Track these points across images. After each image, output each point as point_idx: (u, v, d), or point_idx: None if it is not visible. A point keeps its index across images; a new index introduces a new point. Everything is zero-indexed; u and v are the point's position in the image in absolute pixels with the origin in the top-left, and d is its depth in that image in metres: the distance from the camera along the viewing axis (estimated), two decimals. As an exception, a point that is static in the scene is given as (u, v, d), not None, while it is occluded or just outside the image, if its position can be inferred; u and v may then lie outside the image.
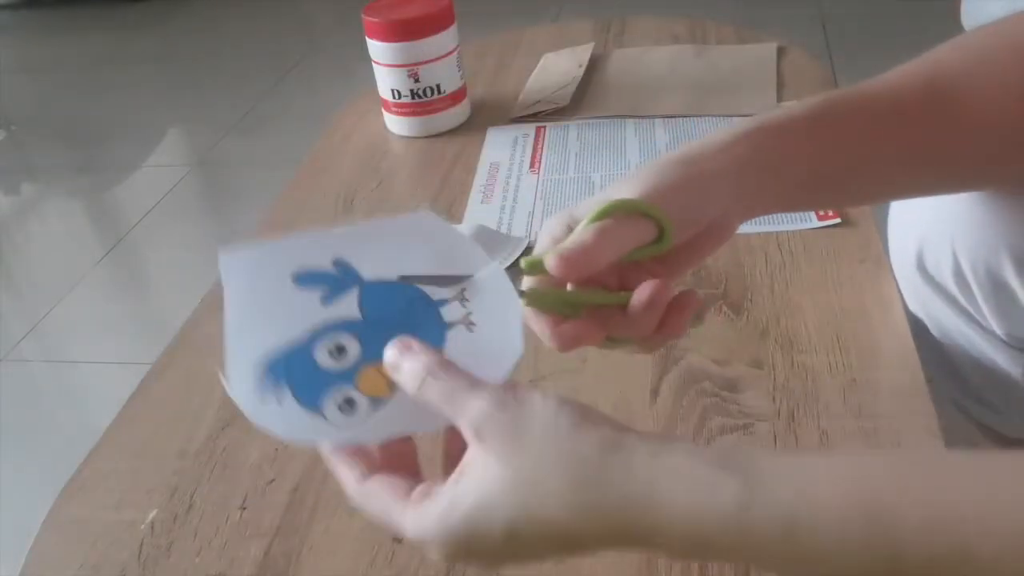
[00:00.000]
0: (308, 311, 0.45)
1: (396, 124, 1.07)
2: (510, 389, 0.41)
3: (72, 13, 3.56)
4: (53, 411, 1.63)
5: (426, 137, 1.06)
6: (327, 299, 0.46)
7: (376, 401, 0.44)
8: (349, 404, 0.44)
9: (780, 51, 1.13)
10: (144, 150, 2.50)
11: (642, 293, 0.45)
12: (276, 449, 0.65)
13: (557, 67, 1.15)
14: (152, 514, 0.62)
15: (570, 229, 0.48)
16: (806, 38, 2.33)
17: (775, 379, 0.65)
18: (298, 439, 0.44)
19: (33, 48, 3.41)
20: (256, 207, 1.26)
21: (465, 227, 0.86)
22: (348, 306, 0.46)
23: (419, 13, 1.00)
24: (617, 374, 0.67)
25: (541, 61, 1.18)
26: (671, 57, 1.16)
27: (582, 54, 1.17)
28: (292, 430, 0.44)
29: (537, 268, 0.47)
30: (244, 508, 0.61)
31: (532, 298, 0.47)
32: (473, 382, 0.41)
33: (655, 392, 0.66)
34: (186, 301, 0.85)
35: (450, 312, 0.46)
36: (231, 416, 0.69)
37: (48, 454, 1.45)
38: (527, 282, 0.48)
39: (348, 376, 0.44)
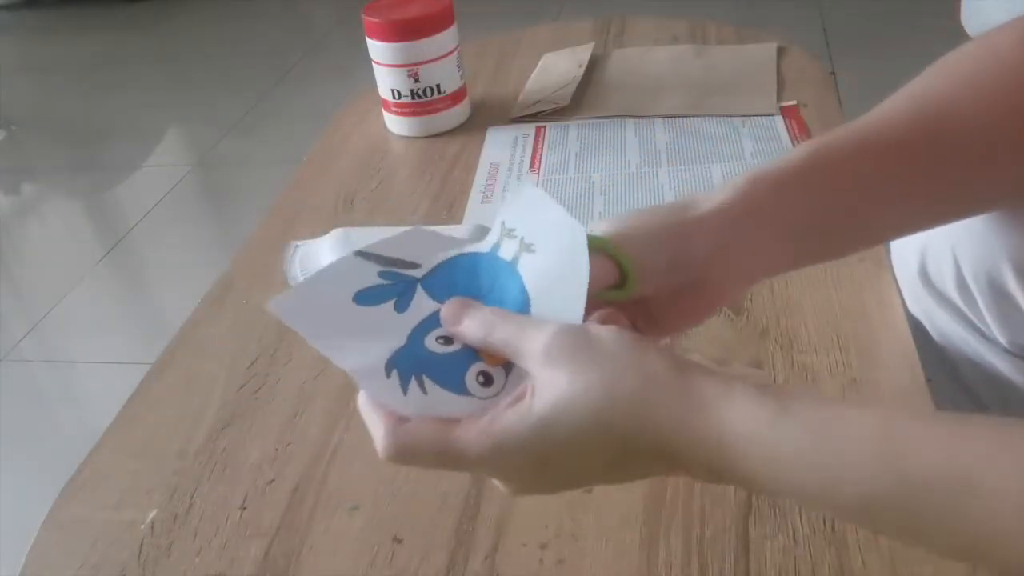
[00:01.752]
0: (389, 322, 0.46)
1: (396, 124, 1.07)
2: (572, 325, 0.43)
3: (72, 13, 3.55)
4: (53, 411, 1.63)
5: (426, 137, 1.06)
6: (400, 306, 0.47)
7: (507, 366, 0.45)
8: (486, 377, 0.45)
9: (780, 51, 1.13)
10: (144, 150, 2.50)
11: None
12: (276, 449, 0.65)
13: (557, 67, 1.15)
14: (152, 514, 0.62)
15: None
16: (806, 38, 2.33)
17: (775, 379, 0.65)
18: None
19: (33, 48, 3.41)
20: (256, 207, 1.26)
21: (465, 227, 0.86)
22: (423, 304, 0.47)
23: (419, 13, 1.00)
24: (617, 374, 0.67)
25: (541, 61, 1.18)
26: (671, 57, 1.16)
27: (582, 54, 1.17)
28: (447, 413, 0.44)
29: None
30: (244, 508, 0.61)
31: None
32: (535, 321, 0.43)
33: (655, 392, 0.65)
34: (186, 301, 0.85)
35: (506, 250, 0.47)
36: (231, 416, 0.69)
37: (48, 454, 1.45)
38: None
39: (472, 355, 0.45)
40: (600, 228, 0.47)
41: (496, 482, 0.44)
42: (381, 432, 0.43)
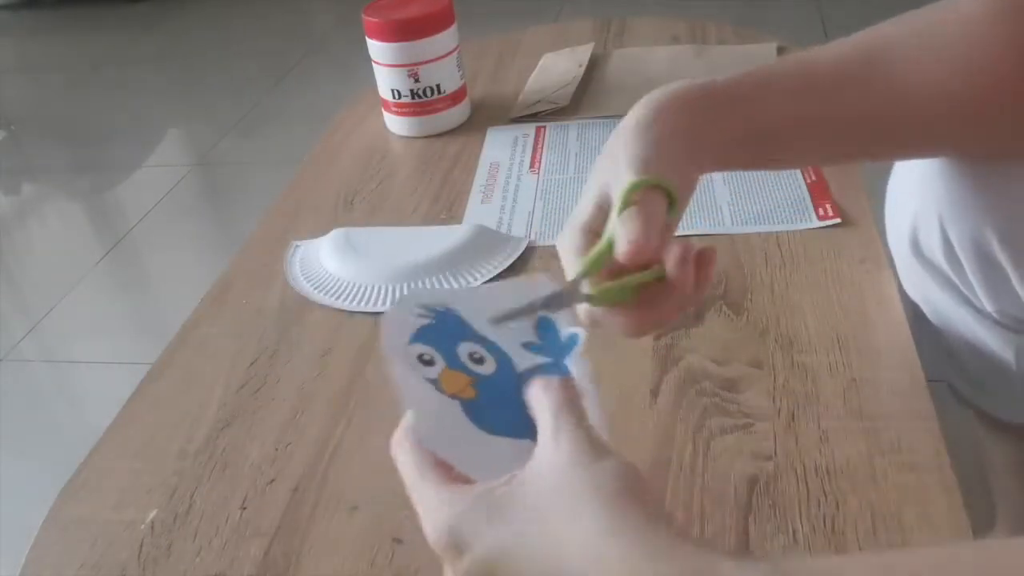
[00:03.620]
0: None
1: (396, 124, 1.07)
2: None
3: (72, 13, 3.55)
4: (53, 411, 1.63)
5: (426, 137, 1.06)
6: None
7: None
8: (427, 361, 0.47)
9: (780, 51, 1.13)
10: (144, 150, 2.50)
11: (674, 255, 0.48)
12: (276, 449, 0.65)
13: (557, 67, 1.15)
14: (152, 514, 0.62)
15: (590, 235, 0.51)
16: (806, 38, 2.33)
17: (775, 379, 0.65)
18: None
19: (33, 48, 3.41)
20: (256, 207, 1.26)
21: (465, 227, 0.86)
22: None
23: (419, 13, 1.00)
24: (617, 374, 0.67)
25: (541, 61, 1.18)
26: (671, 57, 1.16)
27: (582, 54, 1.17)
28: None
29: (594, 267, 0.49)
30: (244, 508, 0.61)
31: (599, 298, 0.49)
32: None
33: (655, 392, 0.65)
34: (186, 301, 0.85)
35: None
36: (231, 416, 0.69)
37: (48, 454, 1.45)
38: (586, 285, 0.50)
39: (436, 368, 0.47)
40: (619, 171, 0.50)
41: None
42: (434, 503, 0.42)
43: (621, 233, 0.48)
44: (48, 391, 1.69)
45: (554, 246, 0.53)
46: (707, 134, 0.53)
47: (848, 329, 0.69)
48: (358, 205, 0.95)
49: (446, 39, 1.02)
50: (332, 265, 0.83)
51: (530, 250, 0.82)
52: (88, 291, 1.90)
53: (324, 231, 0.88)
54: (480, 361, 0.48)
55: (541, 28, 1.33)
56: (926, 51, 0.55)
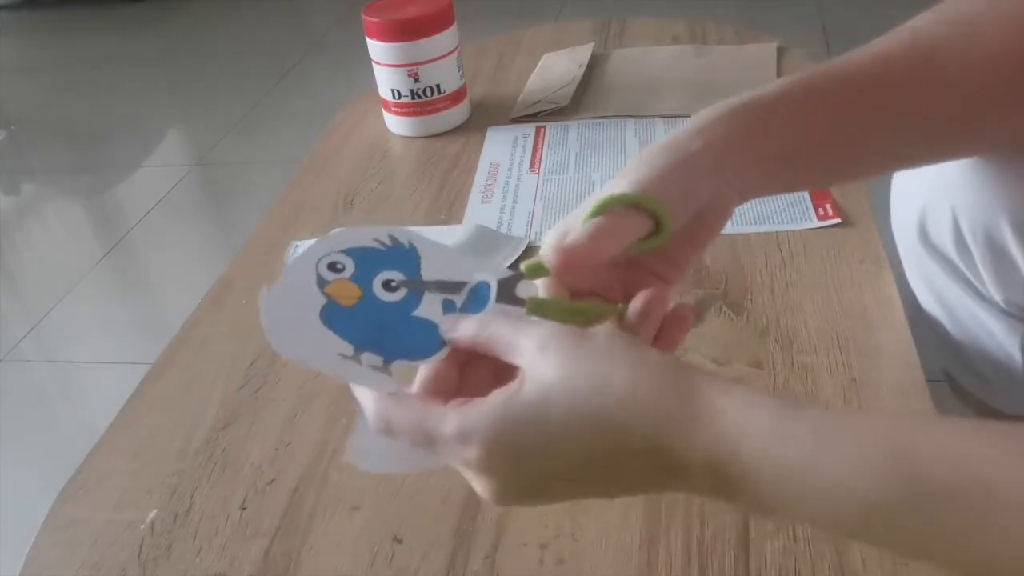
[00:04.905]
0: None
1: (396, 124, 1.07)
2: None
3: (72, 13, 3.55)
4: (53, 411, 1.63)
5: (426, 137, 1.06)
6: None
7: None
8: (337, 269, 0.46)
9: (780, 51, 1.13)
10: (144, 150, 2.50)
11: (637, 302, 0.46)
12: (276, 449, 0.65)
13: (557, 67, 1.15)
14: (152, 514, 0.62)
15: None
16: (806, 38, 2.33)
17: (775, 379, 0.65)
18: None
19: (33, 48, 3.41)
20: (256, 207, 1.26)
21: (465, 227, 0.86)
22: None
23: (419, 13, 1.00)
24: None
25: (541, 61, 1.18)
26: (671, 57, 1.16)
27: (582, 54, 1.17)
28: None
29: (537, 271, 0.47)
30: (244, 508, 0.61)
31: (533, 306, 0.47)
32: (531, 320, 0.44)
33: (655, 392, 0.65)
34: (186, 301, 0.85)
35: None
36: (231, 416, 0.69)
37: (48, 454, 1.45)
38: (529, 289, 0.48)
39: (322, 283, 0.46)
40: (618, 185, 0.47)
41: (475, 485, 0.42)
42: (369, 402, 0.44)
43: (563, 241, 0.45)
44: (48, 391, 1.69)
45: None
46: (746, 158, 0.49)
47: (848, 329, 0.69)
48: (358, 205, 0.95)
49: (446, 39, 1.02)
50: (332, 265, 0.83)
51: (530, 250, 0.82)
52: (88, 291, 1.90)
53: (324, 231, 0.88)
54: (392, 289, 0.46)
55: (541, 28, 1.33)
56: (966, 43, 0.54)
